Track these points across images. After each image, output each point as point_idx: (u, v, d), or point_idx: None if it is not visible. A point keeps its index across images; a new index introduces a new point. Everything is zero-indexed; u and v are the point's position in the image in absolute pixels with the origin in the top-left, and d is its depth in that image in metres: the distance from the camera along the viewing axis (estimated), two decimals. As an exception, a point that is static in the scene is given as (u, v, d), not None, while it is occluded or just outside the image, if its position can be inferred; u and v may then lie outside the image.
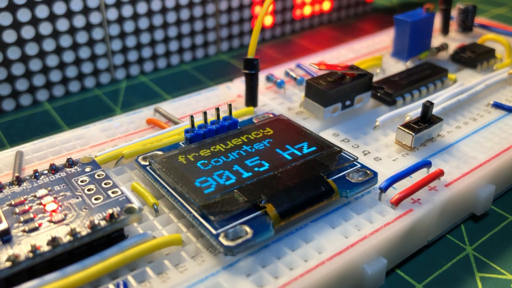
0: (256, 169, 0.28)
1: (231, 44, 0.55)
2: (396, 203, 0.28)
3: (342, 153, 0.30)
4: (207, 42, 0.53)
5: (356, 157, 0.30)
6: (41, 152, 0.32)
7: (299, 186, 0.27)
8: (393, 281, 0.28)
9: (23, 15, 0.42)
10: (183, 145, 0.31)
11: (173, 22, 0.50)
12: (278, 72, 0.42)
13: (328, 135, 0.34)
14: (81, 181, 0.28)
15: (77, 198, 0.26)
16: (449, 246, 0.30)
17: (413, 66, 0.41)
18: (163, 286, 0.23)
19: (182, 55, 0.52)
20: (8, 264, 0.22)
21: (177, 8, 0.50)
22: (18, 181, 0.27)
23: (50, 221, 0.25)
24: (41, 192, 0.27)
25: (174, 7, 0.49)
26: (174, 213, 0.28)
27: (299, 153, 0.30)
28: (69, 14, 0.44)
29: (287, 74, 0.41)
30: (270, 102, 0.38)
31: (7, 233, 0.24)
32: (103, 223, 0.24)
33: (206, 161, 0.29)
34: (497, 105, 0.37)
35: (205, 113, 0.31)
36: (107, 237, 0.25)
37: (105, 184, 0.27)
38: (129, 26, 0.47)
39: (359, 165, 0.29)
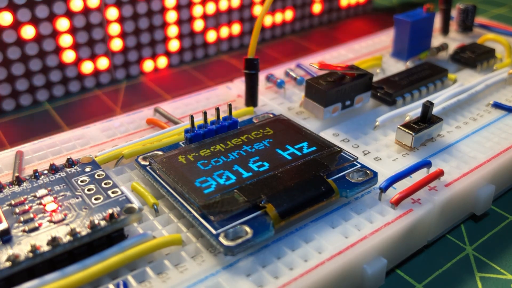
0: (256, 169, 0.28)
1: (231, 44, 0.55)
2: (396, 203, 0.28)
3: (342, 153, 0.30)
4: (207, 42, 0.53)
5: (356, 157, 0.30)
6: (41, 152, 0.32)
7: (299, 186, 0.27)
8: (393, 281, 0.28)
9: (23, 15, 0.42)
10: (183, 145, 0.31)
11: (173, 22, 0.50)
12: (278, 72, 0.42)
13: (328, 135, 0.34)
14: (81, 181, 0.28)
15: (77, 198, 0.26)
16: (449, 246, 0.30)
17: (413, 66, 0.41)
18: (163, 286, 0.23)
19: (182, 55, 0.52)
20: (8, 264, 0.22)
21: (177, 8, 0.50)
22: (18, 181, 0.27)
23: (50, 221, 0.25)
24: (41, 192, 0.27)
25: (174, 7, 0.49)
26: (174, 213, 0.28)
27: (299, 153, 0.30)
28: (69, 14, 0.44)
29: (287, 74, 0.41)
30: (270, 102, 0.38)
31: (7, 233, 0.24)
32: (103, 223, 0.24)
33: (206, 161, 0.29)
34: (497, 105, 0.37)
35: (205, 113, 0.31)
36: (107, 237, 0.25)
37: (105, 184, 0.27)
38: (129, 26, 0.47)
39: (359, 165, 0.29)
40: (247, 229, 0.25)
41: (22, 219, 0.25)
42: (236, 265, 0.24)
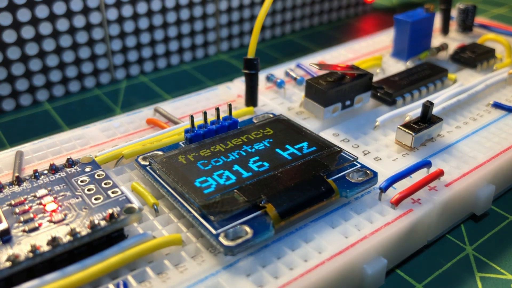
0: (256, 169, 0.28)
1: (231, 44, 0.55)
2: (396, 203, 0.28)
3: (342, 153, 0.30)
4: (207, 42, 0.53)
5: (356, 157, 0.30)
6: (41, 152, 0.32)
7: (299, 186, 0.27)
8: (393, 281, 0.28)
9: (23, 15, 0.42)
10: (183, 145, 0.31)
11: (173, 22, 0.50)
12: (278, 72, 0.42)
13: (328, 135, 0.34)
14: (81, 181, 0.28)
15: (77, 198, 0.26)
16: (449, 246, 0.30)
17: (413, 66, 0.41)
18: (163, 286, 0.23)
19: (182, 55, 0.52)
20: (8, 264, 0.22)
21: (177, 8, 0.50)
22: (18, 181, 0.27)
23: (50, 221, 0.25)
24: (41, 192, 0.27)
25: (174, 7, 0.49)
26: (174, 213, 0.28)
27: (299, 153, 0.30)
28: (69, 14, 0.44)
29: (287, 74, 0.41)
30: (270, 102, 0.38)
31: (7, 233, 0.24)
32: (103, 223, 0.24)
33: (206, 161, 0.29)
34: (497, 105, 0.37)
35: (205, 113, 0.31)
36: (107, 237, 0.25)
37: (105, 184, 0.27)
38: (129, 26, 0.47)
39: (359, 165, 0.29)
40: (247, 229, 0.25)
41: (22, 219, 0.25)
42: (236, 265, 0.24)
